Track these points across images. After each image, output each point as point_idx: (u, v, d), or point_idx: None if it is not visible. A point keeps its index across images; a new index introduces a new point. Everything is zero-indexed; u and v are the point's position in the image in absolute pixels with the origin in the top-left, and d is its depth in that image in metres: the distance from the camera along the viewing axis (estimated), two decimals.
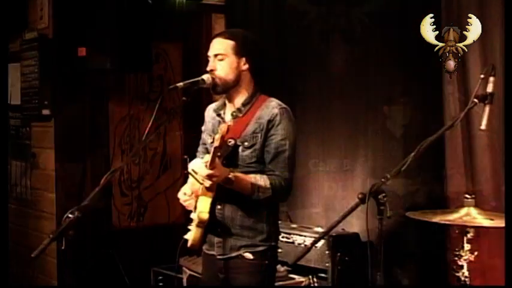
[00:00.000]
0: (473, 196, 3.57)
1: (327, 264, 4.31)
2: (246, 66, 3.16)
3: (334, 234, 4.30)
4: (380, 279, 2.50)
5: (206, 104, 3.84)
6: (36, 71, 5.10)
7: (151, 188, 5.59)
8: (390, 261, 4.15)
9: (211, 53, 3.16)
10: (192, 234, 3.09)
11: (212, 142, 3.08)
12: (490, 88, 2.69)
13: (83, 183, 5.06)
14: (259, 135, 3.10)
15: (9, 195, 5.64)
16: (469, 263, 3.45)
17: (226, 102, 3.24)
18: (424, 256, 4.19)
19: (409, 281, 4.31)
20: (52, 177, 5.14)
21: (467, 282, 3.45)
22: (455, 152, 3.99)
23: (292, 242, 4.55)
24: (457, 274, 3.47)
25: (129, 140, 5.47)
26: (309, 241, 4.43)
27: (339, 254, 4.30)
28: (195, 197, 3.12)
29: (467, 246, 3.45)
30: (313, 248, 4.14)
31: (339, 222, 2.61)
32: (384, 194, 2.46)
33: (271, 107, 3.13)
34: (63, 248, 2.49)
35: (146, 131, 2.92)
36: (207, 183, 2.98)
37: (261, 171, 3.09)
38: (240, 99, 3.18)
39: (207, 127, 3.33)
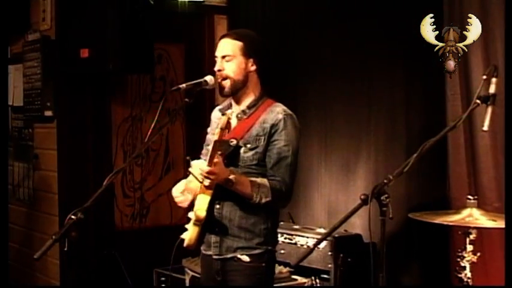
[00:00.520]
0: (475, 197, 3.57)
1: (329, 266, 4.31)
2: (253, 68, 3.15)
3: (336, 235, 4.31)
4: (382, 281, 2.50)
5: (209, 105, 3.88)
6: (39, 72, 5.11)
7: (154, 189, 5.59)
8: (393, 262, 4.16)
9: (218, 53, 3.15)
10: (188, 234, 3.07)
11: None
12: (492, 89, 2.68)
13: (86, 184, 5.06)
14: (262, 138, 3.10)
15: (12, 196, 5.65)
16: (472, 264, 3.45)
17: (233, 103, 3.24)
18: (427, 257, 4.18)
19: (411, 282, 4.30)
20: (55, 178, 5.14)
21: (470, 283, 3.44)
22: (457, 153, 3.99)
23: (295, 243, 4.55)
24: (459, 275, 3.47)
25: (132, 141, 5.47)
26: (311, 242, 4.43)
27: (341, 255, 4.30)
28: (193, 195, 3.11)
29: (469, 247, 3.45)
30: (316, 249, 4.16)
31: (341, 223, 2.61)
32: (386, 195, 2.46)
33: (276, 112, 3.13)
34: (65, 249, 2.50)
35: (149, 132, 2.92)
36: (206, 181, 2.97)
37: (261, 174, 3.08)
38: (246, 101, 3.18)
39: (212, 128, 3.32)
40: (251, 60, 3.14)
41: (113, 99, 5.39)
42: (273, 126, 3.09)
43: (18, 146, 5.62)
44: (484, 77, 2.73)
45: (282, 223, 4.69)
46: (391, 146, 4.48)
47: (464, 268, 3.45)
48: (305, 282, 4.45)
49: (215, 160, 2.92)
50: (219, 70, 3.13)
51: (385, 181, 2.49)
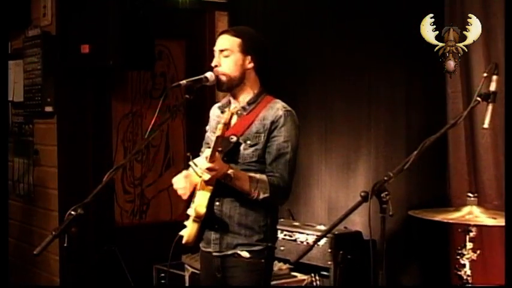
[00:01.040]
0: (476, 195, 3.58)
1: (329, 263, 4.31)
2: (251, 65, 3.16)
3: (336, 232, 4.31)
4: (382, 278, 2.50)
5: (209, 101, 3.85)
6: (39, 68, 5.10)
7: (154, 185, 5.59)
8: (392, 259, 4.16)
9: (216, 48, 3.16)
10: (187, 230, 3.08)
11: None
12: (493, 87, 2.68)
13: (86, 180, 5.06)
14: (262, 135, 3.10)
15: (12, 192, 5.65)
16: (471, 261, 3.46)
17: (231, 100, 3.24)
18: (427, 255, 4.19)
19: (411, 280, 4.30)
20: (55, 174, 5.14)
21: (469, 281, 3.45)
22: (458, 150, 3.99)
23: (295, 240, 4.55)
24: (459, 273, 3.47)
25: (132, 137, 5.48)
26: (311, 239, 4.43)
27: (341, 252, 4.30)
28: (192, 188, 3.12)
29: (469, 245, 3.45)
30: (316, 246, 4.16)
31: (341, 220, 2.61)
32: (386, 192, 2.46)
33: (276, 108, 3.13)
34: (65, 245, 2.50)
35: (149, 128, 2.92)
36: (206, 176, 2.97)
37: (261, 171, 3.08)
38: (245, 97, 3.18)
39: (211, 125, 3.33)
40: (249, 57, 3.14)
41: (113, 95, 5.39)
42: (272, 122, 3.10)
43: (19, 142, 5.62)
44: (485, 74, 2.72)
45: (282, 220, 4.70)
46: (391, 144, 4.48)
47: (464, 266, 3.46)
48: (305, 279, 4.45)
49: (216, 155, 2.92)
50: (216, 66, 3.13)
51: (385, 178, 2.49)
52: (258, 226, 3.13)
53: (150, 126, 2.91)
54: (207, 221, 3.08)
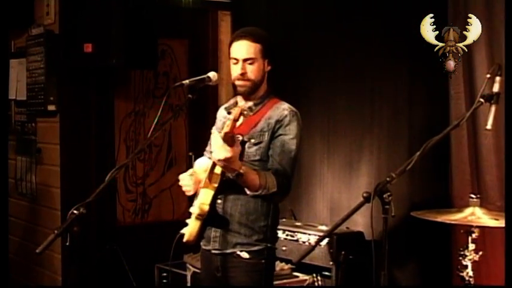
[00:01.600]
0: (478, 196, 3.57)
1: (331, 263, 4.31)
2: (269, 68, 3.19)
3: (338, 232, 4.30)
4: (384, 278, 2.50)
5: (212, 101, 3.86)
6: (42, 66, 5.11)
7: (156, 185, 5.60)
8: (394, 260, 4.16)
9: (240, 56, 3.12)
10: (189, 228, 3.07)
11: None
12: (496, 88, 2.67)
13: (88, 179, 5.06)
14: (266, 133, 3.11)
15: (15, 190, 5.66)
16: (474, 262, 3.45)
17: (239, 100, 3.24)
18: (429, 255, 4.18)
19: (413, 280, 4.30)
20: (57, 172, 5.14)
21: (471, 282, 3.44)
22: (460, 151, 3.98)
23: (297, 240, 4.55)
24: (461, 274, 3.46)
25: (135, 136, 5.48)
26: (313, 239, 4.43)
27: (343, 252, 4.30)
28: (197, 186, 3.12)
29: (471, 246, 3.44)
30: (318, 246, 4.16)
31: (343, 220, 2.60)
32: (389, 193, 2.45)
33: (282, 108, 3.15)
34: (67, 243, 2.50)
35: (152, 128, 2.92)
36: (220, 162, 2.89)
37: (264, 170, 3.08)
38: (254, 98, 3.20)
39: (217, 127, 3.32)
40: (267, 61, 3.17)
41: (116, 94, 5.40)
42: (277, 121, 3.11)
43: (21, 140, 5.63)
44: (488, 75, 2.72)
45: (284, 220, 4.70)
46: (394, 144, 4.48)
47: (466, 267, 3.45)
48: (306, 279, 4.45)
49: (235, 147, 2.89)
50: (243, 73, 3.12)
51: (388, 179, 2.49)
52: (258, 226, 3.13)
53: (153, 126, 2.91)
54: (208, 219, 3.08)
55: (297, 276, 4.47)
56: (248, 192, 3.03)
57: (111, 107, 5.36)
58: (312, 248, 2.83)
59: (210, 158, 3.12)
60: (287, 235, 4.59)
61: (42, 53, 5.10)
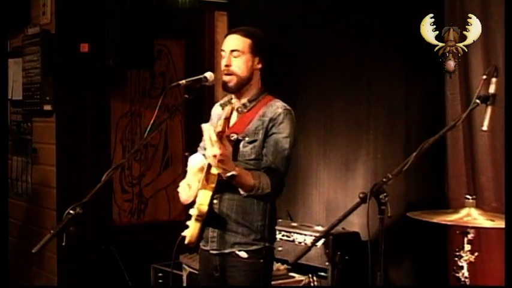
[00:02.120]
0: (474, 197, 3.57)
1: (326, 263, 4.31)
2: (259, 66, 3.18)
3: (334, 233, 4.30)
4: (380, 279, 2.50)
5: (208, 101, 3.85)
6: (38, 66, 5.10)
7: (152, 185, 5.59)
8: (390, 261, 4.16)
9: (227, 48, 3.15)
10: (190, 230, 3.07)
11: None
12: (492, 89, 2.68)
13: (84, 179, 5.06)
14: (260, 132, 3.11)
15: (10, 190, 5.65)
16: (469, 263, 3.45)
17: (233, 97, 3.24)
18: (424, 256, 4.19)
19: (408, 281, 4.30)
20: (53, 172, 5.14)
21: (467, 283, 3.45)
22: (456, 152, 3.99)
23: (293, 241, 4.55)
24: (456, 274, 3.47)
25: (131, 136, 5.48)
26: (309, 240, 4.44)
27: (339, 253, 4.28)
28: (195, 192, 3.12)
29: (467, 247, 3.45)
30: (314, 246, 4.16)
31: (339, 221, 2.61)
32: (385, 194, 2.46)
33: (276, 106, 3.14)
34: (63, 243, 2.50)
35: (148, 128, 2.92)
36: (213, 161, 2.88)
37: (259, 169, 3.08)
38: (247, 96, 3.19)
39: (212, 123, 3.32)
40: (257, 58, 3.16)
41: (113, 94, 5.39)
42: (271, 119, 3.11)
43: (17, 140, 5.62)
44: (484, 77, 2.72)
45: (280, 220, 4.69)
46: (390, 145, 4.48)
47: (461, 268, 3.45)
48: (302, 280, 4.45)
49: (227, 146, 2.88)
50: (227, 65, 3.13)
51: (384, 180, 2.49)
52: (255, 225, 3.13)
53: (149, 126, 2.91)
54: (207, 219, 3.08)
55: (293, 277, 4.47)
56: (242, 192, 3.03)
57: (107, 107, 5.35)
58: (308, 248, 2.82)
59: (204, 155, 3.11)
60: (283, 235, 4.59)
61: (38, 52, 5.10)
